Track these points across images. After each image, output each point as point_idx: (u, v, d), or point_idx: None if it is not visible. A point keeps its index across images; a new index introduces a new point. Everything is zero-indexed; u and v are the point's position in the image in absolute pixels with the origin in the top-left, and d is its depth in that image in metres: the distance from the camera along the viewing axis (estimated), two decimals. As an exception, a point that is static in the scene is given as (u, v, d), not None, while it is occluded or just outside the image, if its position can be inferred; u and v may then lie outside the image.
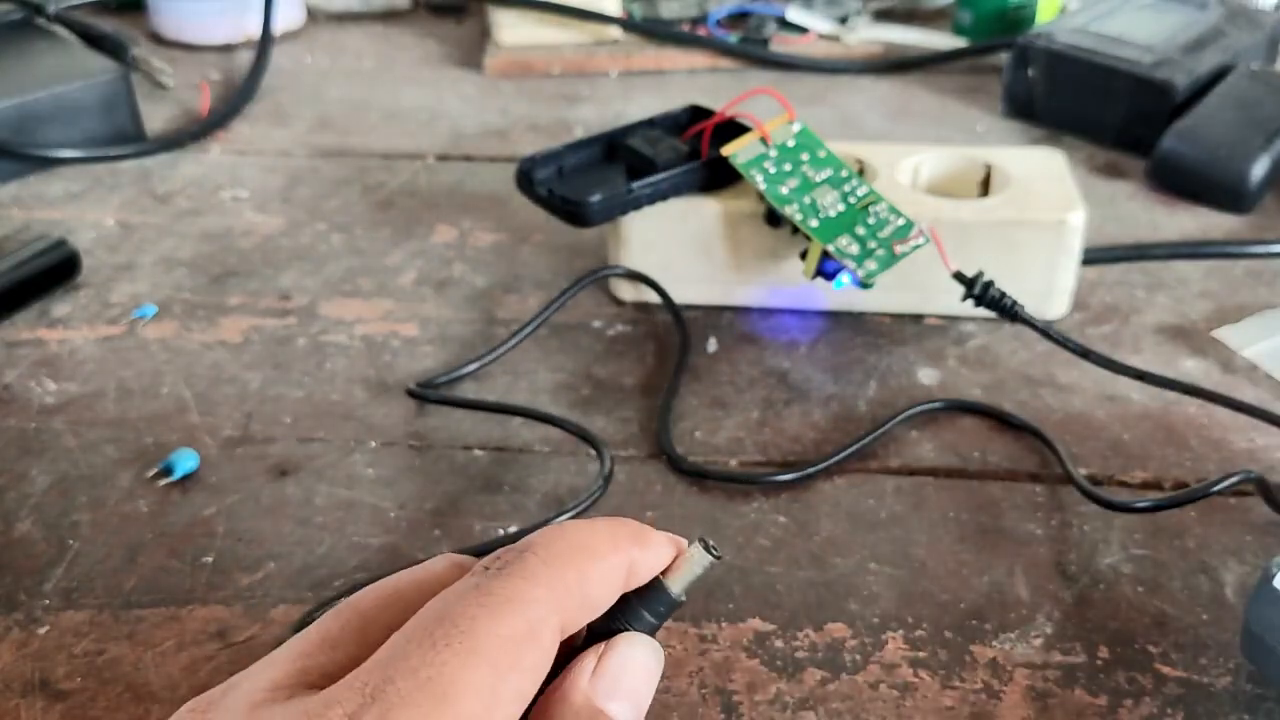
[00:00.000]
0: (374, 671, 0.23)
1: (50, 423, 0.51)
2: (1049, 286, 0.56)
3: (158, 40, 0.89)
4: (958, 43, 0.87)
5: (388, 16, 0.96)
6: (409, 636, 0.24)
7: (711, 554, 0.27)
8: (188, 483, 0.47)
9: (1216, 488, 0.43)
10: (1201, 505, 0.45)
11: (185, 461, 0.48)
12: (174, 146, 0.74)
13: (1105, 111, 0.73)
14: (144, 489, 0.47)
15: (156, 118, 0.77)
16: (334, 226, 0.66)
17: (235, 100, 0.79)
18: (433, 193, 0.69)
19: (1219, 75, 0.72)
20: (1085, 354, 0.52)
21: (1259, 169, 0.65)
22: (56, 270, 0.59)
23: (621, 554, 0.27)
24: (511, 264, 0.62)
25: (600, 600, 0.26)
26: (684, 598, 0.27)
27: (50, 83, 0.71)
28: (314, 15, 0.95)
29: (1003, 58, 0.79)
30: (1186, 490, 0.44)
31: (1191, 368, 0.54)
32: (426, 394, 0.51)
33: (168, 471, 0.47)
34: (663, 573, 0.27)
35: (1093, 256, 0.60)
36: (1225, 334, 0.56)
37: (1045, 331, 0.52)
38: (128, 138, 0.74)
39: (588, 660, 0.26)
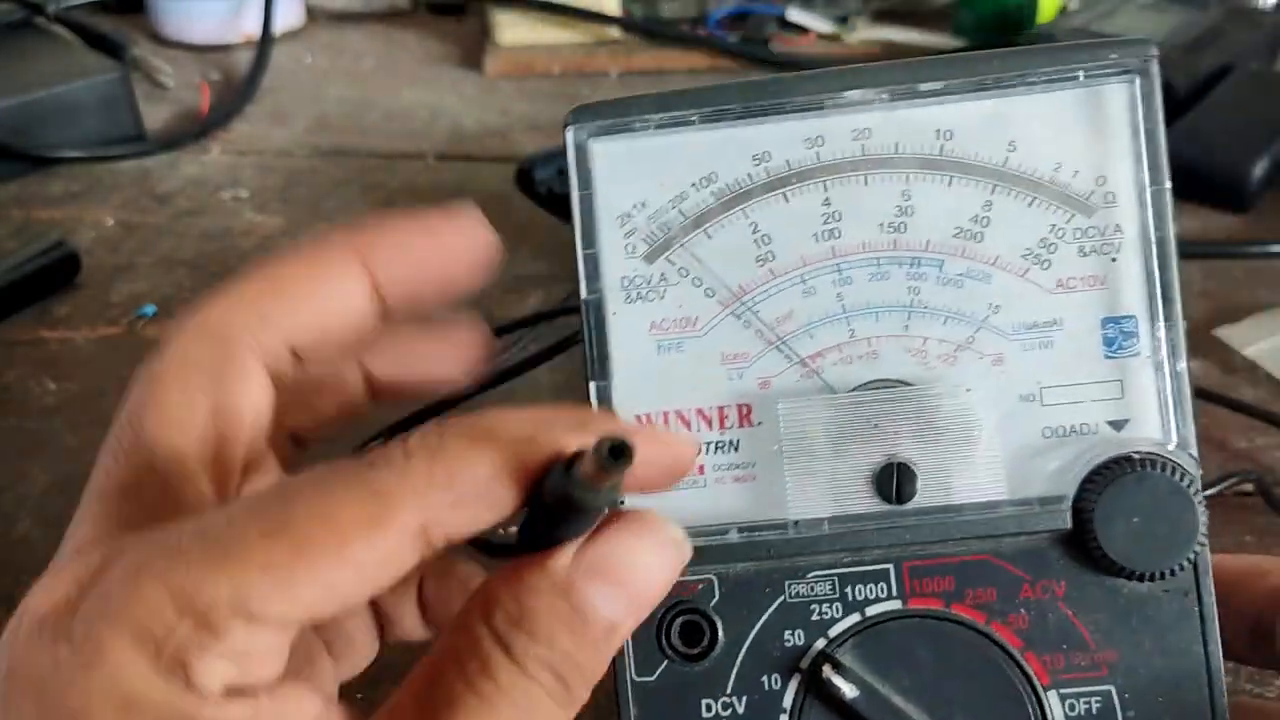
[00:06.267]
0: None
1: (50, 423, 0.51)
2: (1049, 286, 0.56)
3: (158, 40, 0.89)
4: (958, 43, 0.87)
5: (388, 16, 0.96)
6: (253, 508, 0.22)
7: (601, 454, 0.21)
8: (188, 483, 0.47)
9: (1216, 488, 0.43)
10: (1201, 505, 0.45)
11: (185, 461, 0.47)
12: (174, 146, 0.74)
13: (1105, 111, 0.73)
14: (144, 489, 0.47)
15: (156, 118, 0.77)
16: (334, 226, 0.66)
17: (235, 100, 0.79)
18: (433, 193, 0.69)
19: (1219, 75, 0.72)
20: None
21: (1259, 169, 0.65)
22: (56, 270, 0.59)
23: (534, 443, 0.23)
24: (511, 264, 0.62)
25: (492, 495, 0.22)
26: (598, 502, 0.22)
27: (50, 83, 0.71)
28: (314, 15, 0.95)
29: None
30: (1186, 490, 0.44)
31: (1192, 368, 0.54)
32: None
33: (168, 471, 0.47)
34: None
35: (1093, 256, 0.60)
36: (1225, 334, 0.56)
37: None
38: (128, 138, 0.74)
39: (582, 538, 0.23)
